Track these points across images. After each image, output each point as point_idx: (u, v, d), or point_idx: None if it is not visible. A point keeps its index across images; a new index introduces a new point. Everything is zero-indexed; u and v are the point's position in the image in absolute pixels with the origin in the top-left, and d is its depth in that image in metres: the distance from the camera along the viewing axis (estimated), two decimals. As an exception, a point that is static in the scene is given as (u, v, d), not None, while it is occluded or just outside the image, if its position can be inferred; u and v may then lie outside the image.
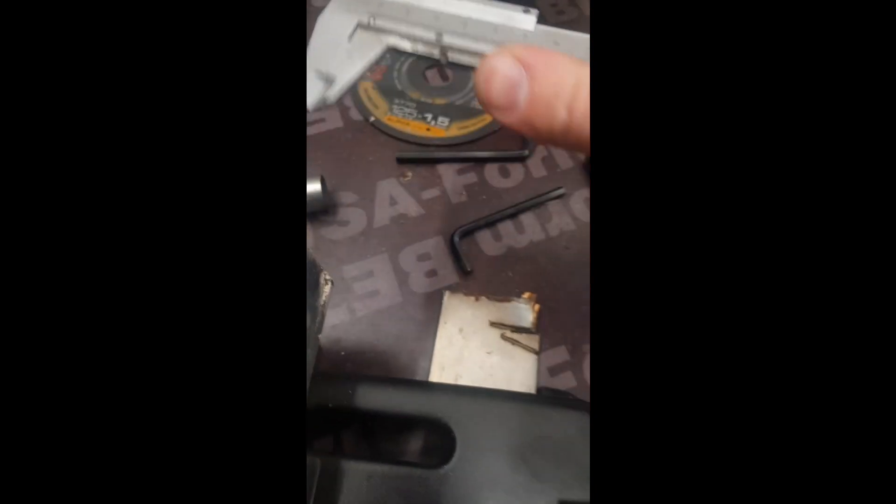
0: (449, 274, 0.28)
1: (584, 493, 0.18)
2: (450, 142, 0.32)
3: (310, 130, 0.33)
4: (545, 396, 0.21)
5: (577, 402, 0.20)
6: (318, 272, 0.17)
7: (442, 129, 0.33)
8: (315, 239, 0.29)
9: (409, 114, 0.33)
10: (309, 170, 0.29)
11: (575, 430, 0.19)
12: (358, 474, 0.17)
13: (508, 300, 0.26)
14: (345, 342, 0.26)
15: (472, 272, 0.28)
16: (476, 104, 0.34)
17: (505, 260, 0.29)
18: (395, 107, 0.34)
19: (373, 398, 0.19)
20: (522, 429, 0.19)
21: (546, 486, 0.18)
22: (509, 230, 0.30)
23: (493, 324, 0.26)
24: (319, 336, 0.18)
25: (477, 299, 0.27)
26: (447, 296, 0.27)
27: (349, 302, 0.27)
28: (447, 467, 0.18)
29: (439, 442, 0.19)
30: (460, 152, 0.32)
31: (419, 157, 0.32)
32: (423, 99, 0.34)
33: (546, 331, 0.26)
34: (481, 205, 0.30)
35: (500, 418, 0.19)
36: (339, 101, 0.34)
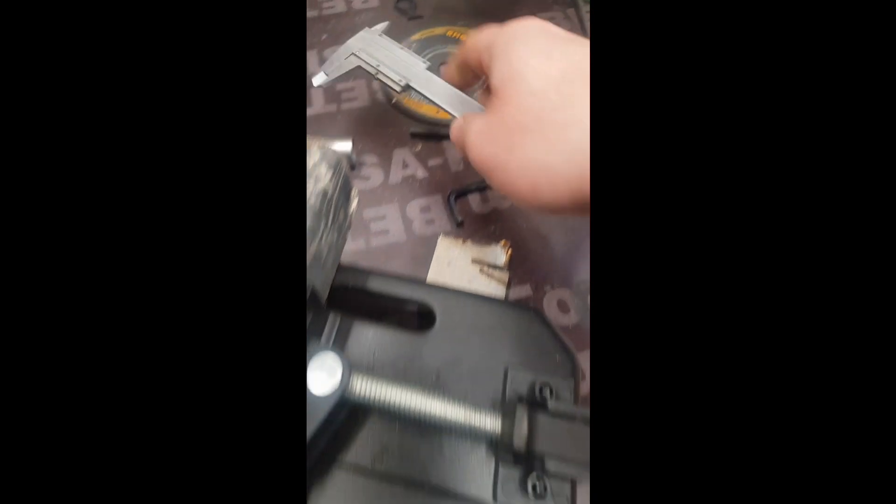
0: (444, 224, 0.35)
1: (524, 363, 0.25)
2: (455, 123, 0.40)
3: (344, 106, 0.41)
4: (505, 301, 0.28)
5: (528, 307, 0.27)
6: (350, 187, 0.25)
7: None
8: (341, 188, 0.37)
9: (423, 99, 0.41)
10: (343, 133, 0.37)
11: (524, 324, 0.26)
12: (366, 329, 0.24)
13: (488, 244, 0.34)
14: (360, 266, 0.33)
15: (463, 224, 0.35)
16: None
17: (489, 217, 0.36)
18: (412, 92, 0.41)
19: (378, 284, 0.26)
20: (485, 316, 0.26)
21: (497, 356, 0.25)
22: (495, 195, 0.37)
23: (474, 261, 0.33)
24: (341, 258, 0.26)
25: (464, 242, 0.34)
26: (441, 237, 0.34)
27: (366, 237, 0.35)
28: (429, 334, 0.25)
29: (425, 322, 0.27)
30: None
31: (428, 133, 0.39)
32: (436, 88, 0.42)
33: (515, 271, 0.34)
34: (474, 174, 0.38)
35: (469, 307, 0.26)
36: (369, 85, 0.42)
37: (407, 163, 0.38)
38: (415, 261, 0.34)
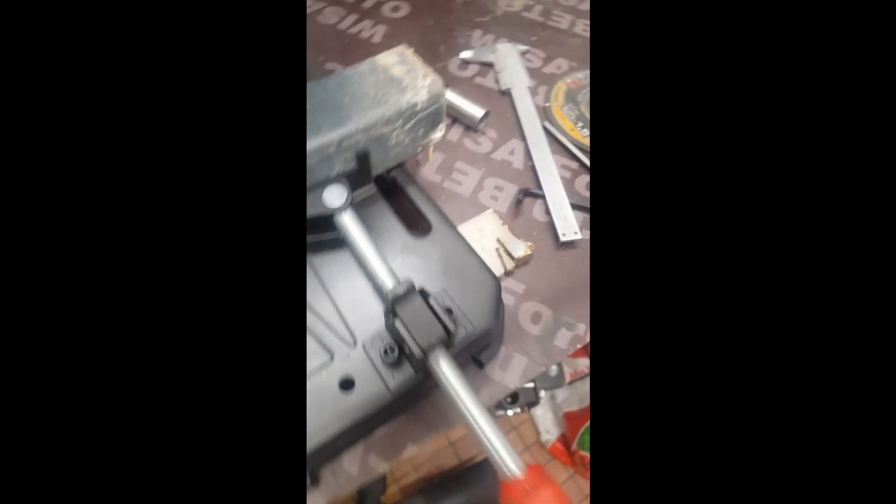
0: (501, 207, 0.41)
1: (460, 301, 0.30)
2: (579, 144, 0.44)
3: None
4: (483, 264, 0.33)
5: (494, 275, 0.32)
6: (440, 120, 0.33)
7: (582, 135, 0.45)
8: (460, 135, 0.46)
9: (570, 115, 0.46)
10: (483, 106, 0.46)
11: (484, 282, 0.31)
12: (383, 209, 0.33)
13: (518, 238, 0.39)
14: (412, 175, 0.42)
15: (519, 216, 0.40)
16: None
17: (539, 225, 0.40)
18: (566, 107, 0.47)
19: (414, 192, 0.34)
20: (460, 258, 0.32)
21: (446, 283, 0.31)
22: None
23: (498, 240, 0.38)
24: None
25: (504, 223, 0.39)
26: (492, 211, 0.40)
27: (444, 178, 0.43)
28: (416, 239, 0.32)
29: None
30: (577, 153, 0.44)
31: (553, 135, 0.45)
32: (585, 113, 0.46)
33: (520, 271, 0.38)
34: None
35: (458, 247, 0.32)
36: (534, 90, 0.50)
37: (515, 152, 0.45)
38: (459, 213, 0.41)
